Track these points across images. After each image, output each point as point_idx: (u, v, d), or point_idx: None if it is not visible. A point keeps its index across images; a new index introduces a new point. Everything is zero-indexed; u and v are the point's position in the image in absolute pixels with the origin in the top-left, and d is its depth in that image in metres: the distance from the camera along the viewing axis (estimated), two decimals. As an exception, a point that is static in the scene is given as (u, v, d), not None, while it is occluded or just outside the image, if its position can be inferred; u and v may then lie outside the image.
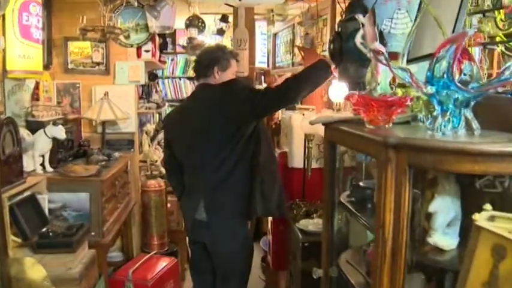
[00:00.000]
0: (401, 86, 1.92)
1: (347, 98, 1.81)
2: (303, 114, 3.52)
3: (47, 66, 4.29)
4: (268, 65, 6.96)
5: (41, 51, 3.72)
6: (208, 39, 7.77)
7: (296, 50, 5.16)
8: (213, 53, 3.14)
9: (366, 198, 2.06)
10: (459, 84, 1.43)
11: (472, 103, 1.48)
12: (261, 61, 6.88)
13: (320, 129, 3.20)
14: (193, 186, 3.13)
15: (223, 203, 3.00)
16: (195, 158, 3.06)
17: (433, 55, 1.50)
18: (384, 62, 1.68)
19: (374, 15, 2.21)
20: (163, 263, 4.07)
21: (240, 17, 5.90)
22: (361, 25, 2.18)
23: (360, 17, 2.11)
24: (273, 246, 3.83)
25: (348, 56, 2.40)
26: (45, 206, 3.27)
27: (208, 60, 3.10)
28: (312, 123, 2.30)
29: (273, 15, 6.74)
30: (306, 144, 3.37)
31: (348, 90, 2.54)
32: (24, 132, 3.27)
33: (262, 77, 6.87)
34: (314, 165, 3.39)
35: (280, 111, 6.14)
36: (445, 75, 1.43)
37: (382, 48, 1.63)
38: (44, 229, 2.97)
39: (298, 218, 3.36)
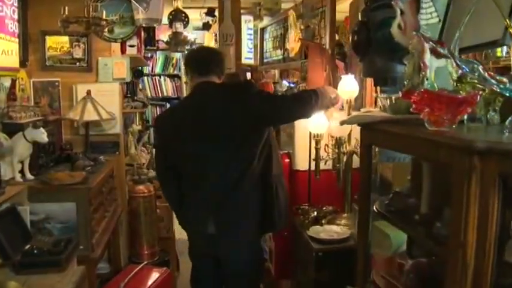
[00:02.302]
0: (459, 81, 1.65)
1: (405, 95, 1.53)
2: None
3: (22, 63, 3.90)
4: (255, 61, 6.67)
5: (17, 46, 3.35)
6: (190, 35, 7.45)
7: (289, 45, 4.88)
8: (218, 53, 3.00)
9: (409, 208, 1.79)
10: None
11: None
12: (247, 57, 6.58)
13: (332, 129, 2.94)
14: (196, 197, 2.79)
15: (236, 219, 2.71)
16: (201, 166, 2.71)
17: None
18: (446, 54, 1.41)
19: (418, 2, 1.96)
20: (156, 275, 3.77)
21: (226, 11, 5.61)
22: (398, 13, 1.92)
23: (398, 4, 1.84)
24: (276, 253, 3.55)
25: (375, 48, 2.13)
26: (27, 219, 2.94)
27: (218, 59, 2.89)
28: (345, 123, 2.02)
29: (259, 9, 6.46)
30: (313, 145, 3.09)
31: (374, 85, 2.27)
32: (1, 137, 2.91)
33: (249, 74, 6.59)
34: (322, 167, 3.11)
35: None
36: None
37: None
38: (28, 246, 2.64)
39: (306, 225, 3.08)
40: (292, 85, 6.28)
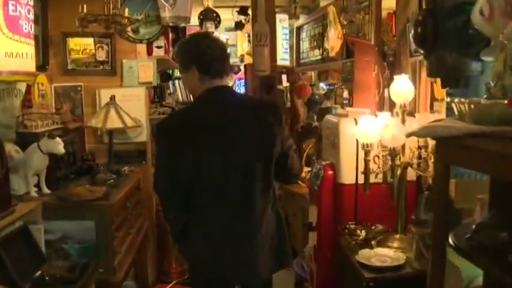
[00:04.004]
0: None
1: None
2: (354, 119, 2.86)
3: (42, 67, 3.65)
4: (291, 62, 6.29)
5: (34, 48, 3.07)
6: (222, 35, 7.13)
7: (329, 44, 4.49)
8: (225, 46, 2.55)
9: (500, 245, 1.39)
10: None
11: None
12: (282, 58, 6.20)
13: (385, 139, 2.55)
14: (210, 226, 2.29)
15: (257, 254, 2.32)
16: (220, 189, 2.27)
17: None
18: None
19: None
20: (187, 296, 3.44)
21: (259, 10, 5.28)
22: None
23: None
24: (318, 276, 3.16)
25: (445, 41, 1.74)
26: (41, 239, 2.65)
27: (228, 55, 2.43)
28: (414, 135, 1.63)
29: (295, 7, 6.09)
30: (361, 155, 2.71)
31: (442, 87, 1.87)
32: (11, 149, 2.63)
33: (285, 76, 6.22)
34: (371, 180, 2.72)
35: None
36: None
37: None
38: (38, 273, 2.34)
39: (353, 247, 2.69)
40: (329, 87, 5.90)
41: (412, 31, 2.04)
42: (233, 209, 2.27)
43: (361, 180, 2.79)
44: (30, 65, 3.05)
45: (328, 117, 3.24)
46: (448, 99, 1.70)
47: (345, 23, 3.69)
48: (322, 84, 6.09)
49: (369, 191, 2.64)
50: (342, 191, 2.92)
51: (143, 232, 3.65)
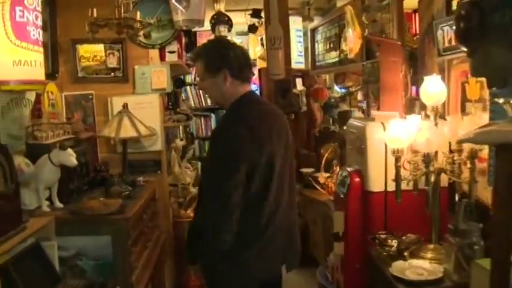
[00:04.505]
0: None
1: None
2: (382, 123, 2.69)
3: (52, 75, 3.52)
4: (306, 65, 6.15)
5: (43, 56, 2.93)
6: (234, 39, 6.99)
7: (347, 45, 4.33)
8: None
9: None
10: None
11: None
12: (297, 61, 6.06)
13: (418, 143, 2.39)
14: (271, 232, 2.31)
15: (298, 247, 2.63)
16: (282, 192, 2.36)
17: None
18: None
19: None
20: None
21: (272, 12, 5.17)
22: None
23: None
24: (345, 288, 3.00)
25: (493, 36, 1.58)
26: (55, 256, 2.51)
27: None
28: (468, 141, 1.47)
29: (309, 9, 5.96)
30: (389, 162, 2.55)
31: (489, 86, 1.71)
32: (21, 162, 2.50)
33: (300, 80, 6.07)
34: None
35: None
36: None
37: None
38: (52, 294, 2.20)
39: (385, 258, 2.53)
40: (345, 90, 5.75)
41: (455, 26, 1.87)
42: (285, 209, 2.38)
43: (390, 187, 2.63)
44: (39, 73, 2.91)
45: (353, 121, 3.08)
46: (501, 100, 1.51)
47: (367, 22, 3.53)
48: (337, 88, 5.95)
49: (400, 199, 2.47)
50: (371, 199, 2.76)
51: (160, 245, 3.50)
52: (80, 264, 2.66)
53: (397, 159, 2.44)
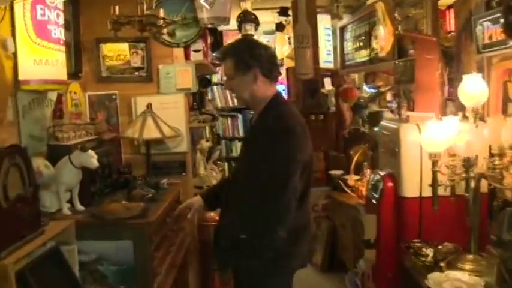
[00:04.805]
0: None
1: None
2: (417, 124, 2.54)
3: (75, 75, 3.46)
4: (334, 65, 5.98)
5: (64, 55, 2.87)
6: (261, 39, 6.87)
7: (377, 44, 4.16)
8: None
9: None
10: None
11: None
12: (326, 60, 5.90)
13: (457, 147, 2.23)
14: (305, 222, 2.35)
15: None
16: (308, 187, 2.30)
17: None
18: None
19: None
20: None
21: (300, 10, 5.04)
22: None
23: None
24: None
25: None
26: (75, 261, 2.42)
27: None
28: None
29: (337, 7, 5.78)
30: (425, 166, 2.40)
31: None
32: (41, 164, 2.42)
33: (329, 79, 5.91)
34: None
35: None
36: None
37: None
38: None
39: (421, 269, 2.38)
40: (374, 90, 5.58)
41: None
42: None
43: (425, 192, 2.48)
44: (61, 72, 2.85)
45: (386, 122, 2.93)
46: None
47: (400, 18, 3.36)
48: (366, 87, 5.78)
49: (437, 206, 2.32)
50: (405, 205, 2.61)
51: (184, 249, 3.40)
52: (101, 269, 2.58)
53: (434, 164, 2.29)
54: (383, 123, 3.00)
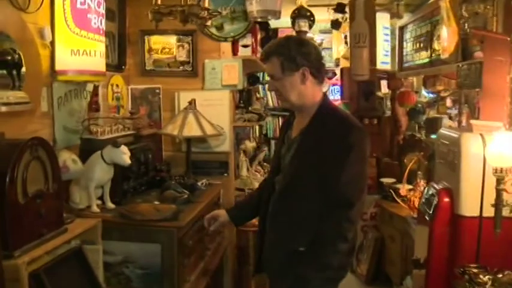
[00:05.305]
0: None
1: None
2: (481, 135, 2.25)
3: (119, 67, 3.37)
4: (392, 66, 5.68)
5: (104, 45, 2.75)
6: (316, 38, 6.63)
7: (440, 44, 3.86)
8: None
9: None
10: None
11: None
12: (383, 61, 5.59)
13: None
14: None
15: None
16: None
17: None
18: None
19: None
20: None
21: (358, 8, 4.79)
22: None
23: None
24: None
25: None
26: (99, 262, 2.30)
27: None
28: None
29: (397, 5, 5.47)
30: (489, 182, 2.12)
31: None
32: (67, 158, 2.30)
33: (385, 82, 5.62)
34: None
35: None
36: None
37: None
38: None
39: (476, 297, 2.10)
40: (432, 96, 5.26)
41: None
42: None
43: (487, 212, 2.20)
44: (99, 63, 2.74)
45: (445, 130, 2.66)
46: None
47: (467, 15, 3.05)
48: (424, 92, 5.46)
49: (500, 229, 2.04)
50: (462, 224, 2.33)
51: (220, 254, 3.23)
52: (126, 272, 2.45)
53: (499, 181, 2.02)
54: (442, 131, 2.72)
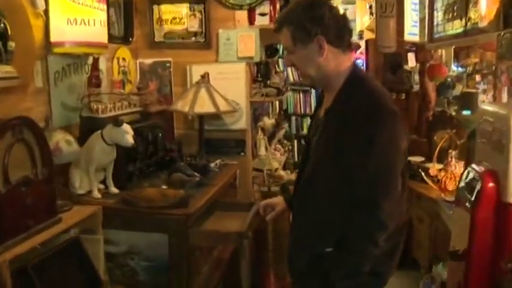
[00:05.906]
0: None
1: None
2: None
3: (125, 39, 3.11)
4: (420, 38, 5.34)
5: (105, 14, 2.49)
6: (339, 6, 6.31)
7: (477, 12, 3.52)
8: None
9: None
10: None
11: None
12: (411, 32, 5.25)
13: None
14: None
15: None
16: None
17: None
18: None
19: None
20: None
21: (385, -27, 4.54)
22: None
23: None
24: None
25: None
26: (100, 253, 2.09)
27: None
28: None
29: (427, -29, 5.13)
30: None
31: None
32: (61, 140, 2.06)
33: (412, 55, 5.30)
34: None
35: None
36: None
37: None
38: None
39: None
40: (461, 69, 4.94)
41: None
42: None
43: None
44: (100, 34, 2.49)
45: (489, 106, 2.34)
46: None
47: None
48: (453, 66, 5.14)
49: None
50: (509, 213, 2.03)
51: (237, 240, 3.00)
52: (131, 264, 2.23)
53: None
54: (484, 106, 2.41)
